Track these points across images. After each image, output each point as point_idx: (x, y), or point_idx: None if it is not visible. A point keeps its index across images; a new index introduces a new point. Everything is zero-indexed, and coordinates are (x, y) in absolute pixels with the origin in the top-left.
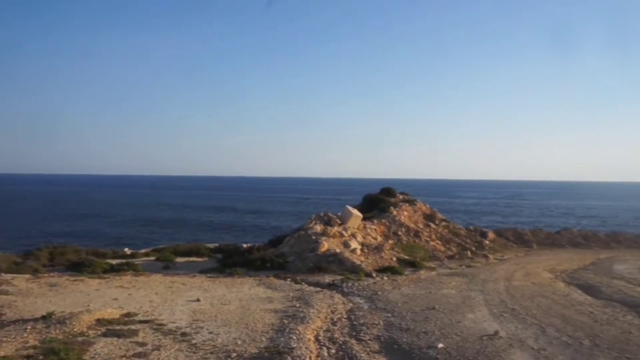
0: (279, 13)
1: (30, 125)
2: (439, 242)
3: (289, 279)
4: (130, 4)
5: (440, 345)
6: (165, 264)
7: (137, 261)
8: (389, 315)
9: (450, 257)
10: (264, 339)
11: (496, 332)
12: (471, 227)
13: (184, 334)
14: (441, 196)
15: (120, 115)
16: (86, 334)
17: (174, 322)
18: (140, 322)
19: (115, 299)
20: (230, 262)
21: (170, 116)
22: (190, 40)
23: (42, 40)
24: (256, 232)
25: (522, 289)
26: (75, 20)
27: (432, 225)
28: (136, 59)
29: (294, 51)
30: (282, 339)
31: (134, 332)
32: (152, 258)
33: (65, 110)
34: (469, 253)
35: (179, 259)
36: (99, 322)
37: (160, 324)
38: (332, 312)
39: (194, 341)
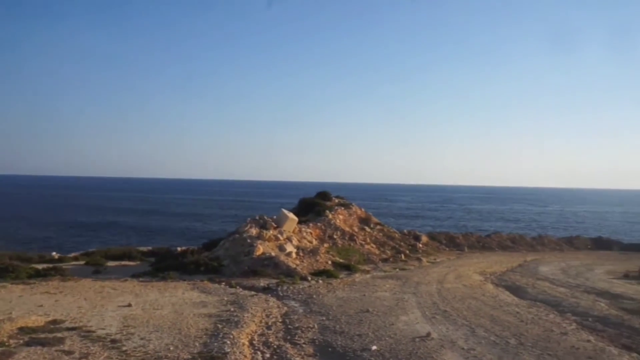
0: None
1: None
2: (374, 246)
3: (223, 283)
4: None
5: (374, 347)
6: (95, 269)
7: (65, 266)
8: (324, 318)
9: (385, 260)
10: (197, 344)
11: (428, 334)
12: (405, 231)
13: (113, 341)
14: (376, 200)
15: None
16: (7, 343)
17: (103, 329)
18: (68, 329)
19: (41, 306)
20: (164, 265)
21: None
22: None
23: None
24: (191, 236)
25: (454, 291)
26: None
27: (367, 229)
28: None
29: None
30: (215, 343)
31: (60, 340)
32: (82, 262)
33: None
34: (402, 256)
35: (110, 263)
36: (22, 330)
37: (89, 331)
38: (267, 316)
39: (124, 348)
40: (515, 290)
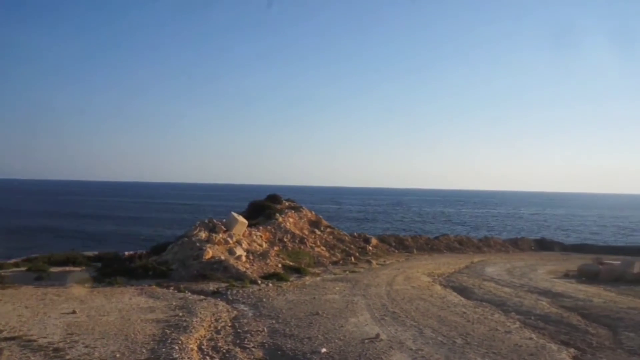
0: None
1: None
2: (324, 248)
3: (172, 288)
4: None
5: (324, 350)
6: (37, 275)
7: (4, 272)
8: (274, 321)
9: (335, 263)
10: (144, 350)
11: (377, 335)
12: (355, 234)
13: (56, 350)
14: (326, 203)
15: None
16: None
17: (45, 337)
18: (6, 339)
19: None
20: (110, 270)
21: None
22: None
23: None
24: (138, 240)
25: (403, 293)
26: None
27: (317, 232)
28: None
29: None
30: (163, 349)
31: None
32: (23, 268)
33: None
34: (352, 259)
35: (54, 269)
36: None
37: (30, 340)
38: (216, 320)
39: (67, 357)
40: (462, 290)
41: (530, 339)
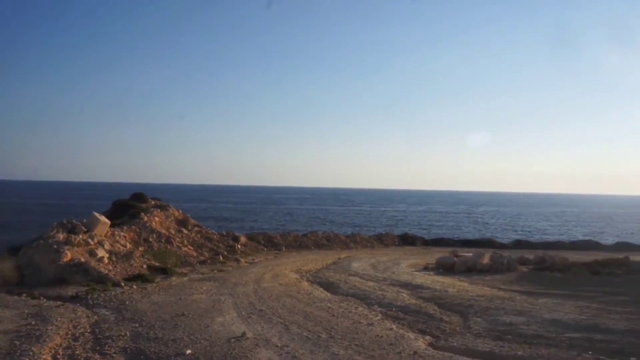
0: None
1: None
2: (191, 248)
3: (24, 295)
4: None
5: (189, 351)
6: None
7: None
8: (137, 325)
9: (203, 262)
10: None
11: (243, 334)
12: (224, 232)
13: None
14: (196, 202)
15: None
16: None
17: None
18: None
19: None
20: None
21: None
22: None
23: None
24: None
25: (270, 290)
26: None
27: (185, 231)
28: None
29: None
30: None
31: None
32: None
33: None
34: (221, 257)
35: None
36: None
37: None
38: (74, 327)
39: None
40: (329, 286)
41: (391, 329)
